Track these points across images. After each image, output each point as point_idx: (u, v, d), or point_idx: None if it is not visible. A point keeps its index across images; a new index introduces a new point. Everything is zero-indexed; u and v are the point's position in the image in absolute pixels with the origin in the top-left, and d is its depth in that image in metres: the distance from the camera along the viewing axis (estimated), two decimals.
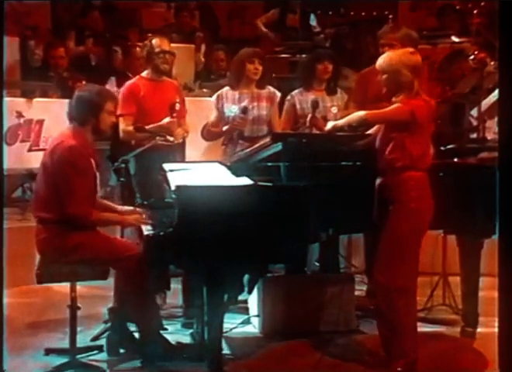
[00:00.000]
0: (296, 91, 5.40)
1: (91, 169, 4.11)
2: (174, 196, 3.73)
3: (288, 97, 5.39)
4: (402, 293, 3.92)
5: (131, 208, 4.38)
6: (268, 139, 4.03)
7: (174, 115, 5.07)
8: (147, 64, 5.28)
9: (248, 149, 4.44)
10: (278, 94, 5.36)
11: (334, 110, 5.22)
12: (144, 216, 4.14)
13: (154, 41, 5.24)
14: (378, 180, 3.98)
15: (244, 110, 5.12)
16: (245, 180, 3.87)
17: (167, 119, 5.03)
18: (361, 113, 3.95)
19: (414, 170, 3.93)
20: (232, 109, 5.21)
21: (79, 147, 4.05)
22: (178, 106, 5.19)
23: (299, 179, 3.77)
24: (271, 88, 5.38)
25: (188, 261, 3.67)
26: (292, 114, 5.31)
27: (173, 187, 3.76)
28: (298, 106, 5.30)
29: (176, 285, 5.03)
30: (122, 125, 5.08)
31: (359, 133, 4.02)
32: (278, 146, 3.85)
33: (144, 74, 5.31)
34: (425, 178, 3.97)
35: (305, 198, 3.70)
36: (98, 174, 4.20)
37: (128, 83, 5.35)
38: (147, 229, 3.98)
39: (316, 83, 5.31)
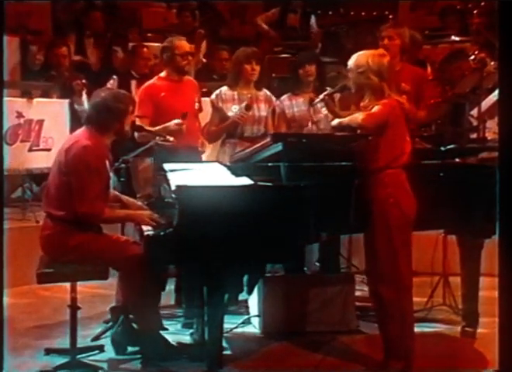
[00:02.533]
0: (285, 96, 5.41)
1: (105, 169, 4.13)
2: (174, 196, 3.73)
3: (277, 102, 5.39)
4: (397, 292, 3.92)
5: (140, 203, 4.40)
6: (268, 140, 4.02)
7: (184, 122, 5.06)
8: (167, 66, 5.29)
9: (248, 150, 4.44)
10: (274, 98, 5.39)
11: (325, 111, 5.20)
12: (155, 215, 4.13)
13: (176, 43, 5.25)
14: (356, 182, 3.98)
15: (247, 107, 5.15)
16: (245, 180, 3.87)
17: (174, 121, 5.03)
18: (359, 118, 3.95)
19: (389, 169, 3.93)
20: (233, 109, 5.23)
21: (94, 147, 4.07)
22: (197, 105, 5.32)
23: (298, 179, 3.77)
24: (267, 91, 5.40)
25: (188, 261, 3.67)
26: (284, 119, 5.33)
27: (173, 187, 3.76)
28: (287, 111, 5.32)
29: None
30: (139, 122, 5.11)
31: (358, 134, 4.01)
32: (278, 147, 3.85)
33: (163, 74, 5.32)
34: (401, 174, 3.96)
35: (305, 197, 3.69)
36: (111, 175, 4.24)
37: (146, 84, 5.36)
38: (147, 229, 3.98)
39: (303, 86, 5.32)
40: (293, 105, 5.33)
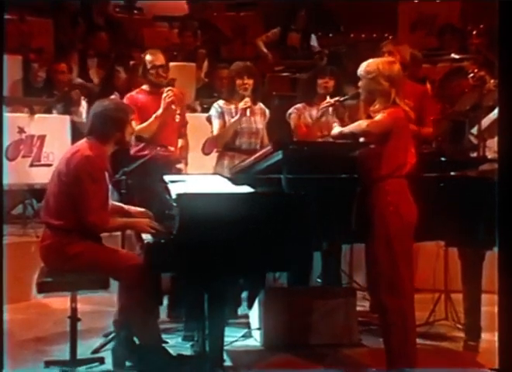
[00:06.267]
0: (299, 105, 5.43)
1: (105, 180, 4.12)
2: (174, 204, 3.73)
3: (294, 110, 5.41)
4: (399, 300, 3.91)
5: (142, 209, 4.36)
6: (269, 147, 4.02)
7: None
8: (144, 79, 5.37)
9: (249, 159, 4.43)
10: (268, 110, 5.40)
11: (336, 126, 5.21)
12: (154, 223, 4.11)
13: (147, 57, 5.32)
14: (357, 190, 3.98)
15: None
16: (246, 189, 3.88)
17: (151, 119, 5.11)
18: (364, 124, 3.97)
19: (391, 178, 3.94)
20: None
21: (95, 158, 4.08)
22: (178, 118, 5.29)
23: (299, 187, 3.76)
24: (262, 105, 5.40)
25: (188, 268, 3.65)
26: (303, 122, 5.32)
27: (174, 196, 3.76)
28: (302, 120, 5.33)
29: None
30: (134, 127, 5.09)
31: (360, 142, 4.02)
32: (279, 155, 3.85)
33: (144, 86, 5.39)
34: (403, 183, 3.96)
35: (306, 206, 3.69)
36: (110, 187, 4.24)
37: (127, 95, 5.43)
38: (147, 237, 3.97)
39: (317, 99, 5.33)
40: (308, 115, 5.33)
